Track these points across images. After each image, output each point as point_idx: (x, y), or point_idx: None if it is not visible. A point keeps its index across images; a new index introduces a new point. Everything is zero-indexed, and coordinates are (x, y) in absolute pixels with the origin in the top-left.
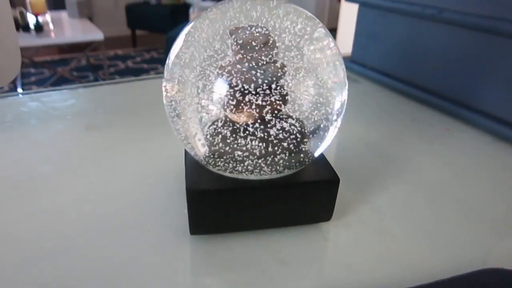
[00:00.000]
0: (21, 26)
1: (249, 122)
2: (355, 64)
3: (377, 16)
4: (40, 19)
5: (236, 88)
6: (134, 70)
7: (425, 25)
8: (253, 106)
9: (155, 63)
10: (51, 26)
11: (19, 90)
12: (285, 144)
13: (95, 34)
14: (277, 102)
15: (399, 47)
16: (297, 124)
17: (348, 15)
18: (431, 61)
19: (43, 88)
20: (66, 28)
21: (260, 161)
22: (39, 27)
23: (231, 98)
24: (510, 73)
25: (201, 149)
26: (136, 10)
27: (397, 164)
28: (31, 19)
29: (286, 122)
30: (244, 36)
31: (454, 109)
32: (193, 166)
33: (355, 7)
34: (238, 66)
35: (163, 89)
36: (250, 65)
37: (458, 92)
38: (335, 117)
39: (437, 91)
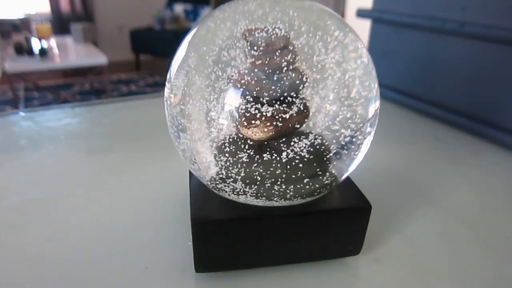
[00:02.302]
0: (26, 50)
1: (265, 139)
2: None
3: (391, 32)
4: (45, 44)
5: (250, 99)
6: (137, 94)
7: (445, 40)
8: (270, 121)
9: (158, 87)
10: (55, 50)
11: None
12: (307, 165)
13: (99, 58)
14: (298, 115)
15: (416, 64)
16: (321, 142)
17: None
18: (453, 78)
19: (38, 107)
20: (71, 53)
21: (278, 185)
22: (43, 52)
23: (244, 111)
24: None
25: (208, 171)
26: (140, 36)
27: (425, 189)
28: (35, 44)
29: (308, 139)
30: (259, 39)
31: (480, 129)
32: (199, 191)
33: (361, 26)
34: (252, 73)
35: (165, 102)
36: (267, 72)
37: (483, 110)
38: (368, 131)
39: (460, 110)
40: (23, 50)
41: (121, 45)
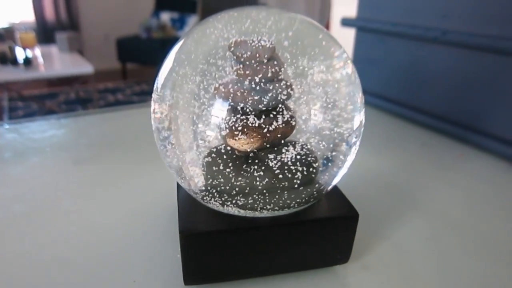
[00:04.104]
0: (10, 60)
1: (252, 150)
2: None
3: (376, 41)
4: (30, 53)
5: (237, 111)
6: (124, 103)
7: (428, 47)
8: (257, 131)
9: (145, 95)
10: (40, 60)
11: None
12: (294, 175)
13: (85, 67)
14: (284, 125)
15: (401, 71)
16: (308, 151)
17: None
18: (436, 85)
19: (21, 119)
20: (56, 62)
21: (265, 195)
22: (28, 61)
23: (231, 122)
24: None
25: (196, 182)
26: (127, 44)
27: (412, 195)
28: (20, 53)
29: (295, 148)
30: (245, 51)
31: (465, 134)
32: (187, 203)
33: (346, 34)
34: (239, 85)
35: (152, 113)
36: (253, 84)
37: (467, 116)
38: (354, 141)
39: (444, 116)
40: (7, 59)
41: (107, 54)
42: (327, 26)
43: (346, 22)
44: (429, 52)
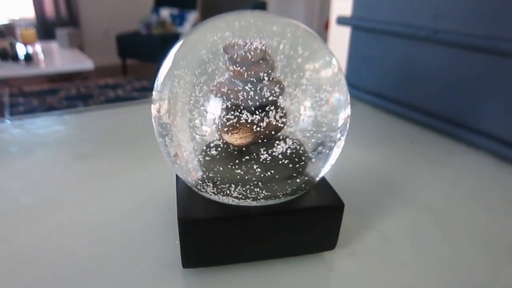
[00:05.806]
0: (11, 56)
1: (245, 144)
2: (350, 87)
3: (370, 39)
4: (30, 49)
5: (231, 108)
6: (124, 98)
7: (421, 46)
8: (250, 127)
9: (146, 91)
10: (41, 56)
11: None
12: (285, 167)
13: (85, 64)
14: (275, 122)
15: (394, 69)
16: (297, 146)
17: (338, 41)
18: (429, 83)
19: (26, 115)
20: (56, 58)
21: (258, 186)
22: (28, 57)
23: (225, 118)
24: (510, 93)
25: (193, 174)
26: (127, 40)
27: (400, 188)
28: (20, 49)
29: (285, 143)
30: (239, 53)
31: (454, 131)
32: (185, 193)
33: (344, 32)
34: (233, 84)
35: (152, 109)
36: (246, 82)
37: (457, 113)
38: (338, 136)
39: (435, 113)
40: (8, 55)
41: (107, 50)
42: (326, 24)
43: (341, 21)
44: (421, 51)
